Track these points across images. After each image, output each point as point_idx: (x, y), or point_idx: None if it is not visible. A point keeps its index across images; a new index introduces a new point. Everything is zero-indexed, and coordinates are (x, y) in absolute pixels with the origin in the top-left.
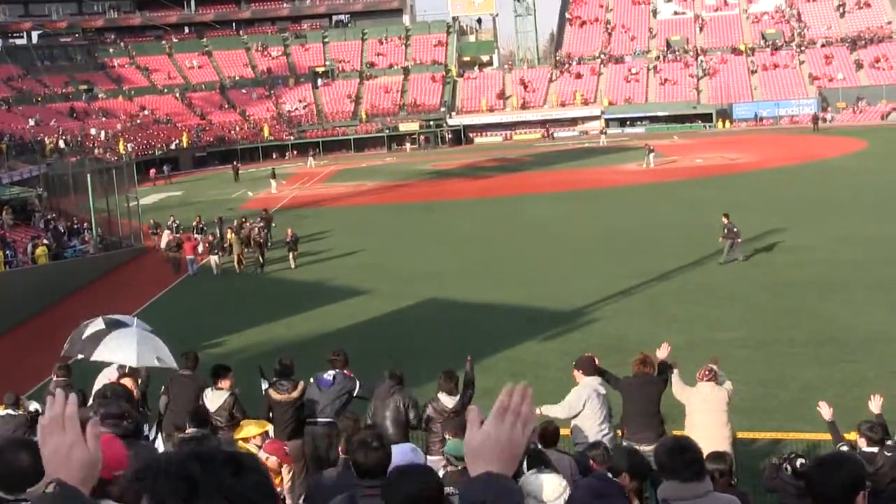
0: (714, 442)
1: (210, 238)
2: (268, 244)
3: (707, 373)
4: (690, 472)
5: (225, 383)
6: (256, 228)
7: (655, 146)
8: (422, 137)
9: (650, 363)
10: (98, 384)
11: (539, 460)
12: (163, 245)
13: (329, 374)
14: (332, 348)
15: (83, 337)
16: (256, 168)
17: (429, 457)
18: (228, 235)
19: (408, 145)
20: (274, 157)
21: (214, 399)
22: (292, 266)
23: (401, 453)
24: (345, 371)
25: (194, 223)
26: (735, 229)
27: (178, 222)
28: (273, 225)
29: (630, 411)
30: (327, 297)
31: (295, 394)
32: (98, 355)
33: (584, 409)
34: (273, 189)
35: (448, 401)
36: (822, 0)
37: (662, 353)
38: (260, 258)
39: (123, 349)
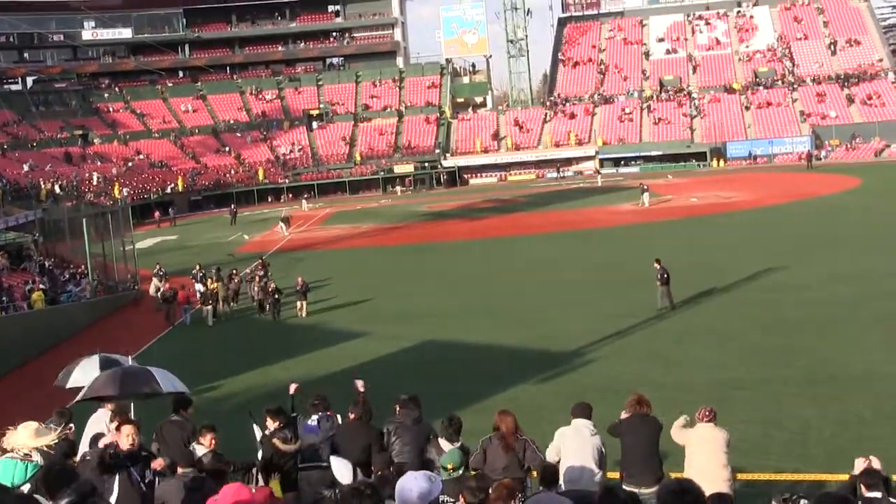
0: (714, 484)
1: (203, 288)
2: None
3: (707, 413)
4: None
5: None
6: (258, 276)
7: (650, 185)
8: (407, 180)
9: (646, 402)
10: (88, 430)
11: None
12: (152, 291)
13: (313, 420)
14: (328, 391)
15: (74, 370)
16: (251, 211)
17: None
18: (211, 285)
19: (398, 188)
20: (269, 199)
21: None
22: (301, 315)
23: (414, 480)
24: (328, 413)
25: (194, 271)
26: (666, 275)
27: (163, 270)
28: (270, 273)
29: (628, 453)
30: (325, 340)
31: (298, 444)
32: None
33: (563, 449)
34: (283, 231)
35: (447, 447)
36: (813, 38)
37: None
38: (265, 305)
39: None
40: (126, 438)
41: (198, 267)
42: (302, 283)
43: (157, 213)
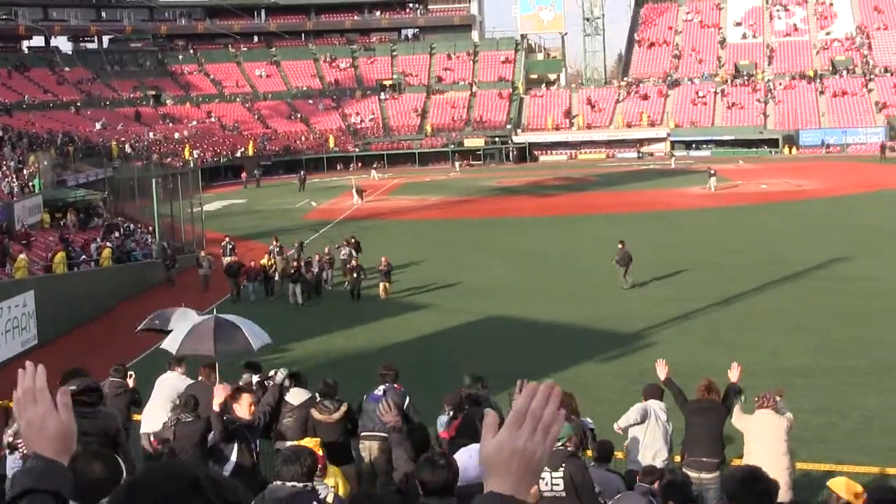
0: (773, 471)
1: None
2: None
3: (766, 400)
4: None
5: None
6: (318, 256)
7: (720, 170)
8: (461, 158)
9: (715, 389)
10: (158, 388)
11: None
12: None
13: (379, 390)
14: (388, 361)
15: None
16: (320, 178)
17: None
18: (265, 261)
19: (457, 164)
20: (339, 167)
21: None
22: (382, 296)
23: (469, 457)
24: (395, 385)
25: (272, 246)
26: (629, 256)
27: (231, 244)
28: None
29: (692, 437)
30: (387, 311)
31: (336, 415)
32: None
33: (641, 420)
34: (356, 200)
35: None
36: (893, 28)
37: (734, 375)
38: (321, 289)
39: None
40: (247, 408)
41: (275, 241)
42: (386, 263)
43: (244, 174)
